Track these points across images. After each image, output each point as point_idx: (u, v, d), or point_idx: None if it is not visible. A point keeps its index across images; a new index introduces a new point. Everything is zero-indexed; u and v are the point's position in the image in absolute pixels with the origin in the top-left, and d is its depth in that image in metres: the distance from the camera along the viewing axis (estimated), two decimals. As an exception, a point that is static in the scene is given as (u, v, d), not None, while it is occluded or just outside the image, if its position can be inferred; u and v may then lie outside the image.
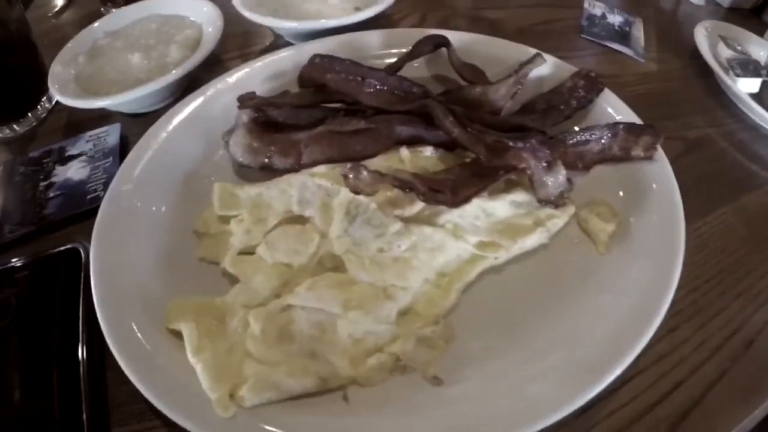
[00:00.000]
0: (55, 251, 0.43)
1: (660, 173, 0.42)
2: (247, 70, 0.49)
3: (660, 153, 0.43)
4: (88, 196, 0.48)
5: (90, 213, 0.46)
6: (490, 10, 0.69)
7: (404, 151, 0.41)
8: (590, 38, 0.66)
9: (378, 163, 0.40)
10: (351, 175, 0.36)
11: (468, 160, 0.42)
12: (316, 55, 0.45)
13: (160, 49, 0.54)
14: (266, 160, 0.42)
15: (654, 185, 0.42)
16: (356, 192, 0.37)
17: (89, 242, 0.40)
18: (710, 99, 0.60)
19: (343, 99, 0.44)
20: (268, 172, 0.43)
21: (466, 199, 0.38)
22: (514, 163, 0.39)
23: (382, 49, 0.52)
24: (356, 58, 0.49)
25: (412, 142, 0.42)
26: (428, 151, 0.41)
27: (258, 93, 0.46)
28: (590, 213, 0.41)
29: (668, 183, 0.41)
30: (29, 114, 0.57)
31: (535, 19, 0.68)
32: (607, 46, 0.65)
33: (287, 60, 0.49)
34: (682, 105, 0.59)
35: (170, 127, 0.46)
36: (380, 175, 0.36)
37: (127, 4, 0.73)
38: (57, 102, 0.57)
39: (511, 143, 0.39)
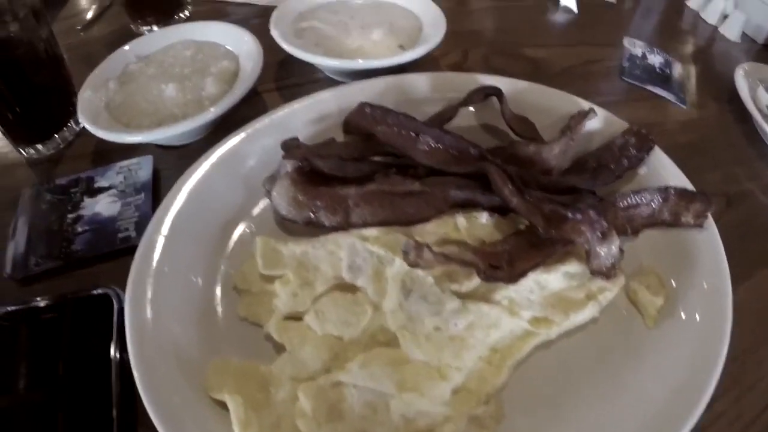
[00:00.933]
0: (86, 295, 0.42)
1: (709, 242, 0.42)
2: (288, 110, 0.48)
3: (710, 221, 0.43)
4: (119, 235, 0.48)
5: (120, 252, 0.46)
6: (532, 48, 0.69)
7: (461, 220, 0.40)
8: (632, 81, 0.66)
9: (432, 229, 0.40)
10: (412, 254, 0.35)
11: (522, 227, 0.42)
12: (365, 104, 0.45)
13: (195, 80, 0.53)
14: (312, 215, 0.41)
15: (702, 255, 0.41)
16: (413, 266, 0.36)
17: (119, 285, 0.39)
18: (751, 148, 0.60)
19: (394, 152, 0.43)
20: (314, 228, 0.42)
21: (523, 273, 0.37)
22: (572, 236, 0.38)
23: (430, 93, 0.51)
24: (403, 102, 0.49)
25: (466, 204, 0.41)
26: (484, 218, 0.41)
27: (300, 136, 0.45)
28: (640, 285, 0.41)
29: (717, 254, 0.41)
30: (56, 135, 0.56)
31: (577, 59, 0.68)
32: (648, 90, 0.65)
33: (331, 102, 0.48)
34: (722, 154, 0.59)
35: (207, 170, 0.44)
36: (444, 257, 0.35)
37: (158, 23, 0.72)
38: (85, 125, 0.57)
39: (569, 214, 0.38)
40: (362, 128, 0.45)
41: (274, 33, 0.55)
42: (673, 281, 0.41)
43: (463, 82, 0.50)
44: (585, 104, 0.50)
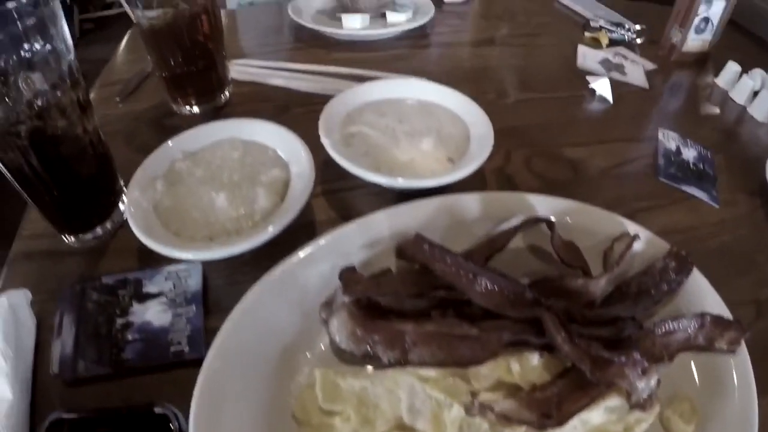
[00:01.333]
0: (142, 410, 0.43)
1: (740, 369, 0.42)
2: (341, 234, 0.49)
3: (742, 347, 0.43)
4: (171, 349, 0.48)
5: (171, 365, 0.47)
6: (570, 147, 0.70)
7: (514, 365, 0.41)
8: (667, 182, 0.67)
9: (486, 372, 0.40)
10: (476, 413, 0.36)
11: (569, 364, 0.43)
12: (423, 240, 0.45)
13: (246, 189, 0.54)
14: (369, 349, 0.42)
15: (733, 380, 0.42)
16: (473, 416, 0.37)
17: (169, 399, 0.40)
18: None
19: (449, 286, 0.44)
20: (370, 361, 0.43)
21: (571, 416, 0.38)
22: (616, 380, 0.39)
23: (479, 213, 0.52)
24: (454, 224, 0.50)
25: (516, 344, 0.42)
26: (535, 359, 0.42)
27: (354, 260, 0.47)
28: (673, 413, 0.41)
29: (747, 381, 0.42)
30: (99, 227, 0.57)
31: (614, 159, 0.70)
32: (683, 190, 0.67)
33: (383, 225, 0.49)
34: (753, 256, 0.59)
35: (263, 295, 0.45)
36: (505, 419, 0.36)
37: (199, 104, 0.74)
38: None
39: (615, 359, 0.39)
40: (418, 260, 0.46)
41: (325, 142, 0.56)
42: (702, 405, 0.42)
43: (513, 202, 0.52)
44: (629, 225, 0.51)
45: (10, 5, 0.49)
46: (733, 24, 1.01)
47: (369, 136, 0.59)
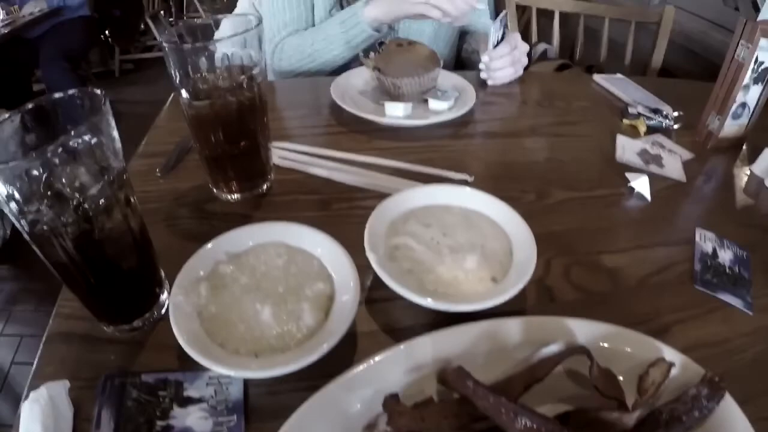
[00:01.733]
0: None
1: None
2: (384, 358, 0.50)
3: None
4: (213, 460, 0.49)
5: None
6: (609, 254, 0.71)
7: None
8: (703, 290, 0.67)
9: None
10: None
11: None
12: (466, 375, 0.46)
13: (291, 304, 0.55)
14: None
15: None
16: None
17: None
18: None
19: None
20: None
21: None
22: None
23: (520, 338, 0.52)
24: (495, 350, 0.51)
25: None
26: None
27: (397, 385, 0.47)
28: None
29: None
30: (139, 319, 0.59)
31: (652, 266, 0.70)
32: (718, 298, 0.66)
33: (426, 350, 0.50)
34: None
35: (306, 420, 0.46)
36: None
37: (241, 191, 0.76)
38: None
39: None
40: (460, 392, 0.47)
41: (371, 257, 0.57)
42: None
43: (553, 328, 0.52)
44: (665, 351, 0.51)
45: (57, 96, 0.53)
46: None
47: (413, 249, 0.60)
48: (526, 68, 1.21)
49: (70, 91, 0.54)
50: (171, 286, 0.58)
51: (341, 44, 1.16)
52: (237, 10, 1.55)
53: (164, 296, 0.61)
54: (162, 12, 5.32)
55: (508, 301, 0.56)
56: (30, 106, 0.52)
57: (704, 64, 1.90)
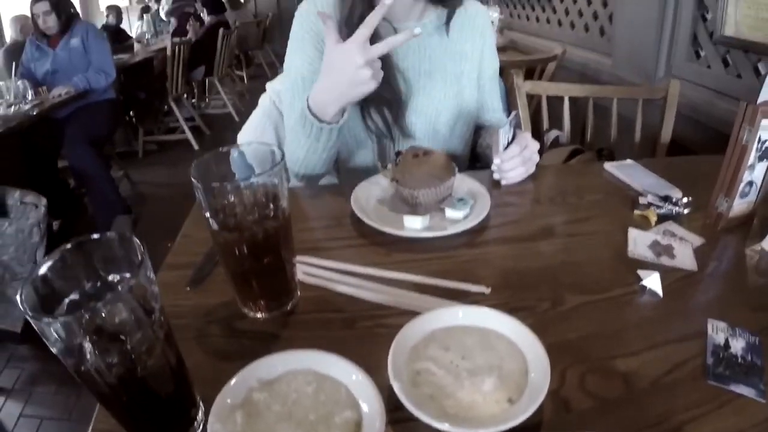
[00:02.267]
0: None
1: None
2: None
3: None
4: None
5: None
6: (623, 358, 0.74)
7: None
8: (717, 384, 0.70)
9: None
10: None
11: None
12: None
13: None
14: None
15: None
16: None
17: None
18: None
19: None
20: None
21: None
22: None
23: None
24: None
25: None
26: None
27: None
28: None
29: None
30: None
31: (664, 365, 0.72)
32: (731, 390, 0.68)
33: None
34: None
35: None
36: None
37: (268, 310, 0.80)
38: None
39: None
40: None
41: (396, 386, 0.61)
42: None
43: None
44: None
45: (95, 237, 0.58)
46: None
47: (434, 374, 0.64)
48: (539, 154, 1.26)
49: (110, 235, 0.59)
50: (205, 405, 0.63)
51: (305, 140, 1.17)
52: (258, 108, 1.63)
53: (199, 416, 0.65)
54: (185, 95, 5.55)
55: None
56: (70, 245, 0.58)
57: (711, 133, 1.95)
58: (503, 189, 1.22)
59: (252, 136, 1.55)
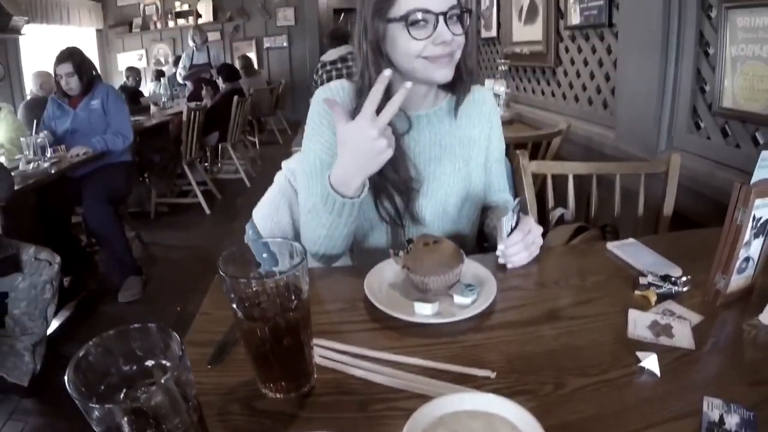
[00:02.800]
0: None
1: None
2: None
3: None
4: None
5: None
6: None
7: None
8: None
9: None
10: None
11: None
12: None
13: None
14: None
15: None
16: None
17: None
18: None
19: None
20: None
21: None
22: None
23: None
24: None
25: None
26: None
27: None
28: None
29: None
30: None
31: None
32: None
33: None
34: None
35: None
36: None
37: (287, 392, 0.86)
38: None
39: None
40: None
41: None
42: None
43: None
44: None
45: (136, 326, 0.66)
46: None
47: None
48: (544, 234, 1.33)
49: (151, 326, 0.67)
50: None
51: (327, 217, 1.24)
52: (273, 185, 1.72)
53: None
54: (199, 159, 5.69)
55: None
56: (112, 332, 0.66)
57: (713, 204, 2.01)
58: (508, 272, 1.28)
59: (267, 212, 1.64)
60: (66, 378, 0.59)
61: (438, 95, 1.44)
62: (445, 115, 1.44)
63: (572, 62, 3.25)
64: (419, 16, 1.20)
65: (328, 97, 1.39)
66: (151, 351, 0.67)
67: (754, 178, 1.11)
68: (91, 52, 9.64)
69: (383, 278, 1.20)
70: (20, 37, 7.76)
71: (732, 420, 0.80)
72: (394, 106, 1.13)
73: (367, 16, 1.27)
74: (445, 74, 1.27)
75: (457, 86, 1.41)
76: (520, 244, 1.26)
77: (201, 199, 5.38)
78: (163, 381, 0.60)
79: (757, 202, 1.08)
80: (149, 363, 0.67)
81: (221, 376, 0.93)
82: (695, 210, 2.05)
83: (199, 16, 10.74)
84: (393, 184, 1.33)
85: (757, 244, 1.12)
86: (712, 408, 0.83)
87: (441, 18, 1.20)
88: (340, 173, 1.18)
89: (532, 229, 1.28)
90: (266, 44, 11.00)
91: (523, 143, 2.79)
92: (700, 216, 2.03)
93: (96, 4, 10.42)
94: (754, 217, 1.08)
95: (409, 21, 1.20)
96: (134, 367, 0.67)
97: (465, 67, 1.36)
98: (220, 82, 6.70)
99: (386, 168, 1.22)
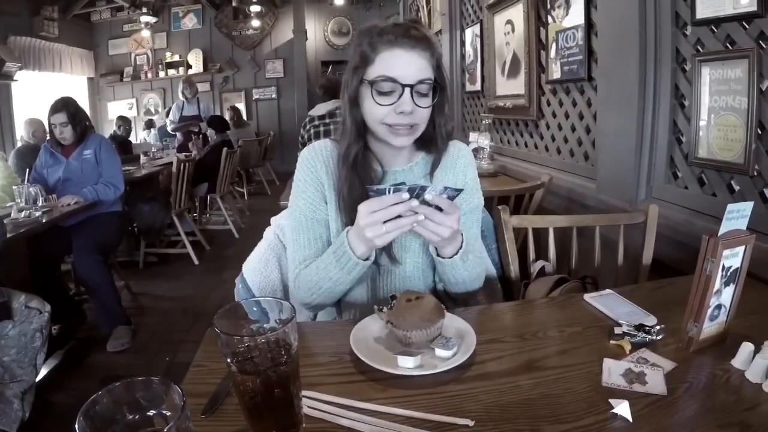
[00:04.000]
0: None
1: None
2: None
3: None
4: None
5: None
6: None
7: None
8: None
9: None
10: None
11: None
12: None
13: None
14: None
15: None
16: None
17: None
18: None
19: None
20: None
21: None
22: None
23: None
24: None
25: None
26: None
27: None
28: None
29: None
30: None
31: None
32: None
33: None
34: None
35: None
36: None
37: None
38: None
39: None
40: None
41: None
42: None
43: None
44: None
45: (141, 379, 0.72)
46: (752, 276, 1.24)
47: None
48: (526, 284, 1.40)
49: (155, 380, 0.74)
50: None
51: (337, 273, 1.33)
52: (263, 240, 1.79)
53: None
54: (188, 210, 5.76)
55: None
56: (119, 384, 0.72)
57: (692, 252, 2.03)
58: (489, 326, 1.35)
59: (257, 267, 1.70)
60: (77, 425, 0.65)
61: (413, 153, 1.52)
62: (421, 171, 1.49)
63: (554, 115, 3.36)
64: (385, 85, 1.29)
65: (313, 156, 1.50)
66: (154, 401, 0.74)
67: (722, 230, 1.19)
68: (83, 100, 9.80)
69: (368, 332, 1.26)
70: (12, 84, 7.92)
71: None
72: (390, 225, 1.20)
73: (349, 70, 1.37)
74: (403, 142, 1.36)
75: (433, 149, 1.47)
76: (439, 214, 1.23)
77: (190, 249, 5.42)
78: (166, 430, 0.66)
79: (726, 252, 1.16)
80: (151, 413, 0.74)
81: (215, 425, 0.98)
82: (675, 258, 2.11)
83: (189, 66, 10.98)
84: None
85: (728, 292, 1.20)
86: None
87: (408, 89, 1.27)
88: (352, 236, 1.28)
89: (452, 215, 1.24)
90: (255, 95, 11.23)
91: (507, 197, 2.88)
92: (680, 263, 2.09)
93: (88, 53, 10.64)
94: (723, 266, 1.16)
95: (375, 87, 1.29)
96: (137, 416, 0.73)
97: (441, 132, 1.44)
98: (211, 132, 6.82)
99: None
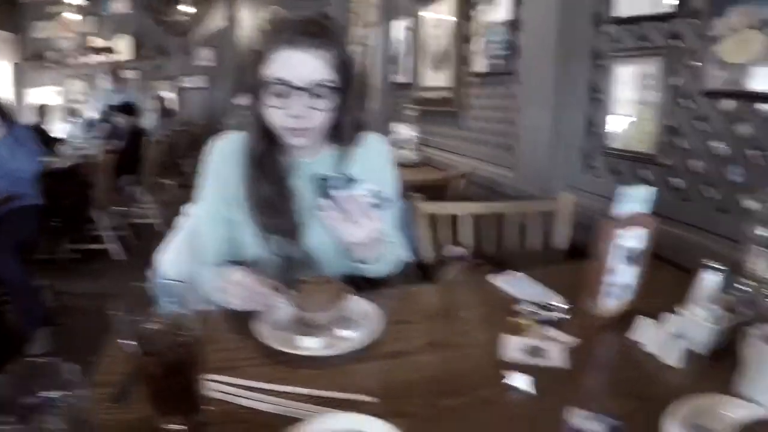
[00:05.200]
0: None
1: None
2: None
3: None
4: None
5: None
6: None
7: None
8: None
9: None
10: None
11: None
12: None
13: None
14: None
15: None
16: None
17: None
18: None
19: None
20: None
21: None
22: None
23: None
24: None
25: None
26: None
27: None
28: None
29: None
30: None
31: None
32: None
33: None
34: None
35: None
36: None
37: (186, 423, 0.93)
38: None
39: None
40: None
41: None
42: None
43: None
44: None
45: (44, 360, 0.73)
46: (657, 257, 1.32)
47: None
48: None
49: (52, 359, 0.75)
50: None
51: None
52: (176, 230, 1.79)
53: None
54: (113, 204, 5.58)
55: None
56: (18, 365, 0.73)
57: None
58: (398, 308, 1.39)
59: (172, 257, 1.72)
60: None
61: (322, 145, 1.47)
62: (330, 162, 1.46)
63: (479, 108, 3.46)
64: (277, 87, 1.26)
65: (224, 146, 1.52)
66: (55, 382, 0.74)
67: (615, 211, 1.29)
68: (6, 87, 9.39)
69: (275, 316, 1.28)
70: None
71: (598, 429, 0.89)
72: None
73: (249, 63, 1.32)
74: (301, 142, 1.36)
75: (342, 141, 1.45)
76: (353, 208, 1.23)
77: (115, 244, 5.27)
78: (61, 404, 0.68)
79: (624, 233, 1.24)
80: (54, 393, 0.74)
81: (123, 413, 0.98)
82: (591, 243, 2.22)
83: (117, 52, 10.58)
84: (277, 226, 1.41)
85: (631, 272, 1.28)
86: (581, 419, 0.91)
87: (301, 92, 1.25)
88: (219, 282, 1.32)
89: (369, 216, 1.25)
90: (185, 84, 10.96)
91: (428, 186, 2.95)
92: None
93: (15, 36, 10.10)
94: (621, 247, 1.24)
95: (268, 88, 1.27)
96: (38, 397, 0.74)
97: (349, 126, 1.42)
98: (120, 120, 6.63)
99: (271, 211, 1.37)
